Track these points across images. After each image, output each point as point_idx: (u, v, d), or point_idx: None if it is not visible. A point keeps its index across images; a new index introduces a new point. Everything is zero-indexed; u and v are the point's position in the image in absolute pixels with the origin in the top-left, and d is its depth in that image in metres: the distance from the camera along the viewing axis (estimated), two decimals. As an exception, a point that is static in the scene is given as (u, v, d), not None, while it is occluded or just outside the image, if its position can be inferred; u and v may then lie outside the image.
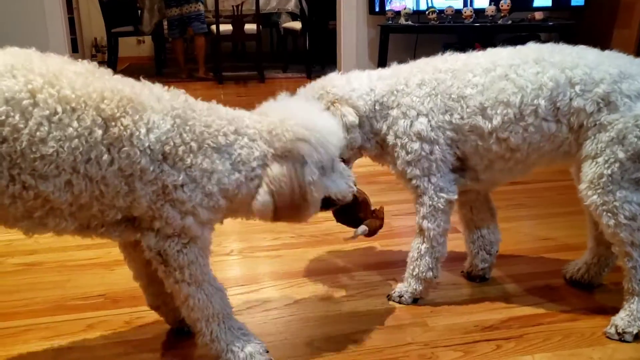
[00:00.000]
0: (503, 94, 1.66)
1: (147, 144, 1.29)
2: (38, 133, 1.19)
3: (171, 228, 1.38)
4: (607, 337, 1.69)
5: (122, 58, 7.57)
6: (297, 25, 7.02)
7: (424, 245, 1.83)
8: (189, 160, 1.35)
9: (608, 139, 1.58)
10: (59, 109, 1.21)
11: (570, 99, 1.61)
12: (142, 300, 1.75)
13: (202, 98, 1.50)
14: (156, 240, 1.40)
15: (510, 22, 4.82)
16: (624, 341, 1.66)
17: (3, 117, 1.17)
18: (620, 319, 1.69)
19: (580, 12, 4.99)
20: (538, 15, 4.85)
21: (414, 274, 1.87)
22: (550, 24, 4.83)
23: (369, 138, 1.84)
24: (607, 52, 1.70)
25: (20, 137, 1.18)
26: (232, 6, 6.46)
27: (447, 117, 1.72)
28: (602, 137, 1.59)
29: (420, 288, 1.88)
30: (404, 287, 1.90)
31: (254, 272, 2.19)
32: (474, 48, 1.89)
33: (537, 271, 2.10)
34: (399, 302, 1.89)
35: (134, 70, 7.36)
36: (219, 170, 1.40)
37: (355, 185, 1.64)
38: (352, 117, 1.77)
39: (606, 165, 1.58)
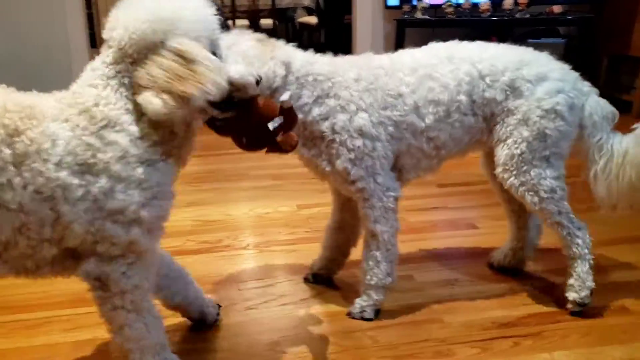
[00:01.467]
0: (432, 93, 1.70)
1: (58, 157, 1.16)
2: None
3: (117, 248, 1.23)
4: (573, 314, 1.78)
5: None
6: (312, 19, 7.01)
7: (379, 251, 1.75)
8: (101, 160, 1.18)
9: (515, 122, 1.70)
10: None
11: (483, 91, 1.70)
12: (159, 294, 1.76)
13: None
14: (97, 265, 1.24)
15: (528, 15, 4.76)
16: (585, 305, 1.74)
17: None
18: (574, 290, 1.77)
19: (600, 5, 4.91)
20: (557, 8, 4.78)
21: (373, 284, 1.78)
22: (569, 17, 4.76)
23: None
24: (502, 44, 1.79)
25: None
26: (248, 1, 6.46)
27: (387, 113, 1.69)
28: (510, 120, 1.71)
29: (382, 297, 1.80)
30: (364, 301, 1.80)
31: (270, 266, 2.19)
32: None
33: (556, 267, 2.07)
34: (362, 318, 1.78)
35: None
36: (127, 145, 1.21)
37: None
38: (286, 55, 1.62)
39: (515, 146, 1.70)
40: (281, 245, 2.36)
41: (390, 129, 1.69)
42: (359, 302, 1.80)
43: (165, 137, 1.27)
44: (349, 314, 1.80)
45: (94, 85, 1.24)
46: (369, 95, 1.66)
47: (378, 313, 1.80)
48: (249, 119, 1.40)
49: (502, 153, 1.74)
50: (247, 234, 2.49)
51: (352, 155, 1.66)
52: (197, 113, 1.30)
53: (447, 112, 1.70)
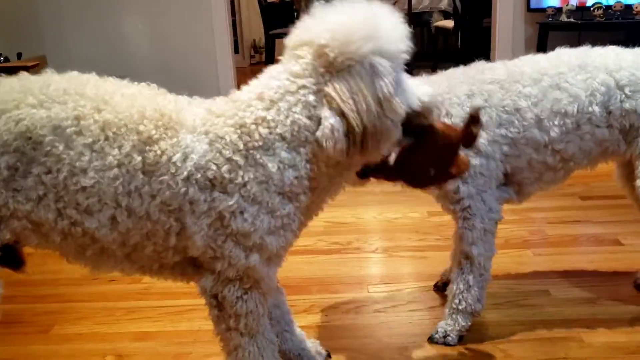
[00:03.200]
0: (558, 105, 1.59)
1: (186, 172, 1.12)
2: (78, 163, 1.11)
3: (234, 270, 1.19)
4: None
5: (279, 59, 7.91)
6: (449, 23, 6.89)
7: (471, 275, 1.66)
8: (239, 179, 1.13)
9: None
10: (102, 136, 1.12)
11: (621, 102, 1.59)
12: (294, 290, 1.82)
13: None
14: (214, 284, 1.23)
15: (690, 17, 4.35)
16: None
17: (49, 148, 1.10)
18: None
19: None
20: None
21: (461, 308, 1.68)
22: None
23: None
24: (638, 49, 1.68)
25: (62, 168, 1.10)
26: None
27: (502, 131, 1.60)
28: None
29: (468, 324, 1.70)
30: (449, 325, 1.70)
31: (399, 271, 2.20)
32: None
33: None
34: (444, 344, 1.69)
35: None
36: (274, 172, 1.14)
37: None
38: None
39: None
40: (410, 251, 2.35)
41: (505, 147, 1.61)
42: (443, 326, 1.71)
43: (315, 172, 1.18)
44: (430, 339, 1.71)
45: (263, 97, 1.16)
46: (483, 113, 1.58)
47: (462, 339, 1.70)
48: (429, 148, 1.23)
49: None
50: (376, 237, 2.51)
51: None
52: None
53: (576, 124, 1.60)
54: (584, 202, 2.78)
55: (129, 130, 1.12)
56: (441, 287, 1.98)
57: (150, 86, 1.24)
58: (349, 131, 1.09)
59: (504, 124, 1.60)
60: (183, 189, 1.13)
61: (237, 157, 1.13)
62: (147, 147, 1.12)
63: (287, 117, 1.13)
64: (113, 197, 1.12)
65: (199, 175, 1.13)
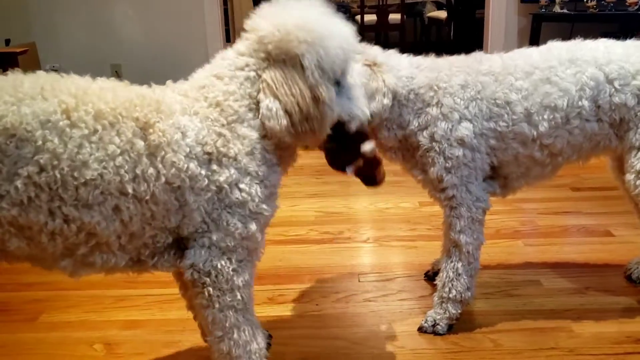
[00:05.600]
0: (548, 99, 1.58)
1: (188, 148, 1.17)
2: (79, 156, 1.07)
3: (232, 240, 1.23)
4: None
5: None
6: (442, 14, 6.89)
7: (460, 263, 1.67)
8: (231, 152, 1.20)
9: None
10: (98, 127, 1.09)
11: (611, 96, 1.58)
12: (285, 279, 1.82)
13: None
14: (208, 258, 1.23)
15: (683, 9, 4.35)
16: None
17: (40, 143, 1.04)
18: None
19: None
20: None
21: (451, 296, 1.68)
22: None
23: (390, 127, 1.64)
24: (628, 41, 1.66)
25: (60, 164, 1.05)
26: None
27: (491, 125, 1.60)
28: None
29: (458, 311, 1.70)
30: (439, 313, 1.71)
31: (389, 260, 2.19)
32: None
33: None
34: (433, 333, 1.69)
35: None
36: (255, 140, 1.23)
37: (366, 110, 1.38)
38: (393, 82, 1.57)
39: None
40: (401, 241, 2.35)
41: (492, 141, 1.60)
42: (432, 315, 1.72)
43: (279, 145, 1.27)
44: (420, 328, 1.72)
45: (220, 76, 1.24)
46: (474, 105, 1.58)
47: (451, 328, 1.71)
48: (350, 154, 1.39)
49: (637, 160, 1.61)
50: (367, 227, 2.51)
51: (448, 164, 1.59)
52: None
53: (565, 118, 1.59)
54: (575, 194, 2.79)
55: (125, 118, 1.12)
56: (432, 277, 1.98)
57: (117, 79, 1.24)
58: (287, 113, 1.19)
59: (493, 117, 1.59)
60: (185, 165, 1.16)
61: (225, 131, 1.20)
62: (149, 130, 1.14)
63: (244, 89, 1.23)
64: (118, 186, 1.10)
65: (198, 149, 1.17)
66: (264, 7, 1.26)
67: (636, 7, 4.34)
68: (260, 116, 1.22)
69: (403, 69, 1.62)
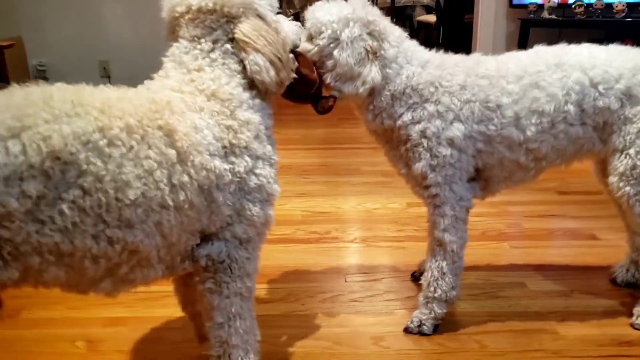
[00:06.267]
0: (536, 103, 1.59)
1: (211, 147, 1.16)
2: (121, 176, 1.02)
3: (253, 228, 1.25)
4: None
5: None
6: (431, 18, 6.91)
7: (445, 262, 1.67)
8: (242, 141, 1.22)
9: (636, 130, 1.58)
10: (132, 142, 1.05)
11: (595, 100, 1.59)
12: (271, 278, 1.80)
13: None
14: (224, 249, 1.24)
15: (669, 17, 4.40)
16: None
17: (85, 167, 0.98)
18: None
19: None
20: (703, 10, 4.38)
21: (436, 295, 1.68)
22: None
23: (377, 114, 1.62)
24: (611, 46, 1.67)
25: (104, 186, 1.00)
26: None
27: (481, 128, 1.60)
28: (629, 129, 1.60)
29: (444, 311, 1.70)
30: (424, 314, 1.70)
31: (376, 261, 2.19)
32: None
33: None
34: (419, 333, 1.69)
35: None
36: (258, 122, 1.26)
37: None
38: (379, 79, 1.55)
39: (639, 157, 1.59)
40: (389, 242, 2.35)
41: (480, 144, 1.60)
42: (418, 316, 1.71)
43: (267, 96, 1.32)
44: (406, 329, 1.71)
45: (198, 68, 1.24)
46: (468, 107, 1.58)
47: (437, 329, 1.70)
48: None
49: (620, 163, 1.62)
50: (355, 227, 2.50)
51: (434, 162, 1.59)
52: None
53: (551, 123, 1.60)
54: (561, 197, 2.80)
55: (152, 128, 1.08)
56: (418, 277, 1.97)
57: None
58: (271, 62, 1.23)
59: (484, 120, 1.59)
60: (212, 165, 1.15)
61: (231, 122, 1.21)
62: (174, 137, 1.10)
63: (228, 71, 1.24)
64: (159, 201, 1.07)
65: (217, 146, 1.18)
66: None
67: (623, 14, 4.38)
68: (249, 72, 1.24)
69: (416, 60, 1.61)
